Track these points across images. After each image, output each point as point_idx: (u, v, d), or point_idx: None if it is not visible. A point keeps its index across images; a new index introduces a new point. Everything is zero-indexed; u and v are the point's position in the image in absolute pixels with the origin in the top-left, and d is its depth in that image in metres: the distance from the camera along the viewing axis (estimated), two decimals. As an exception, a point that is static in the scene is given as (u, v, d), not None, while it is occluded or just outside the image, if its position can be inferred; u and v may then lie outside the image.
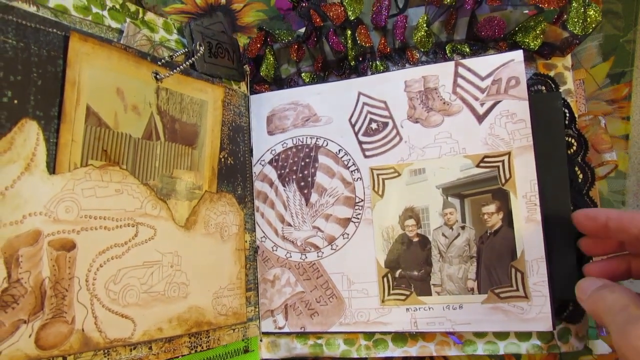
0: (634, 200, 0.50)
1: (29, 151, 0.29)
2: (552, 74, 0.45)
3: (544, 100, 0.41)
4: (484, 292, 0.41)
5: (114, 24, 0.36)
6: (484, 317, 0.40)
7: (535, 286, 0.39)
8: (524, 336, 0.41)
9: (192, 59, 0.39)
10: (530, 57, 0.45)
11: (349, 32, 0.47)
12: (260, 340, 0.46)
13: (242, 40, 0.55)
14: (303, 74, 0.50)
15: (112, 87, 0.33)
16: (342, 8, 0.47)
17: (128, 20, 0.36)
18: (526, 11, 0.43)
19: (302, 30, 0.49)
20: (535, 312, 0.39)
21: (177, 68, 0.37)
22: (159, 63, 0.36)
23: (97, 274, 0.32)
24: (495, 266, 0.41)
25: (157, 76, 0.36)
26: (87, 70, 0.31)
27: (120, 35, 0.35)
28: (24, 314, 0.28)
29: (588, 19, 0.41)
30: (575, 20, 0.41)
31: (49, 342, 0.29)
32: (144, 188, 0.35)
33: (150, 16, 0.39)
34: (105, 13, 0.36)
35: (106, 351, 0.32)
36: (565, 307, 0.40)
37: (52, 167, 0.30)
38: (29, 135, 0.29)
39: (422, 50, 0.47)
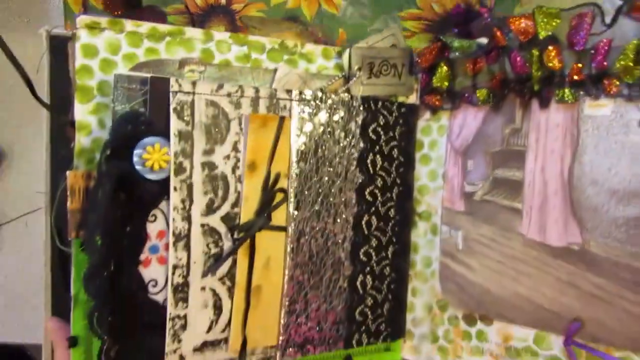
0: None
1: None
2: None
3: None
4: None
5: (271, 65, 0.40)
6: None
7: None
8: None
9: (347, 85, 0.41)
10: None
11: (536, 52, 0.40)
12: (404, 342, 0.50)
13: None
14: (478, 91, 0.45)
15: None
16: (532, 23, 0.39)
17: (281, 63, 0.39)
18: None
19: (484, 40, 0.43)
20: None
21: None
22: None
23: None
24: None
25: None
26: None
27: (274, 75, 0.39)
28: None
29: None
30: None
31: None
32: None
33: (309, 48, 0.41)
34: (264, 56, 0.40)
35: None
36: None
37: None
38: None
39: (627, 81, 0.37)
